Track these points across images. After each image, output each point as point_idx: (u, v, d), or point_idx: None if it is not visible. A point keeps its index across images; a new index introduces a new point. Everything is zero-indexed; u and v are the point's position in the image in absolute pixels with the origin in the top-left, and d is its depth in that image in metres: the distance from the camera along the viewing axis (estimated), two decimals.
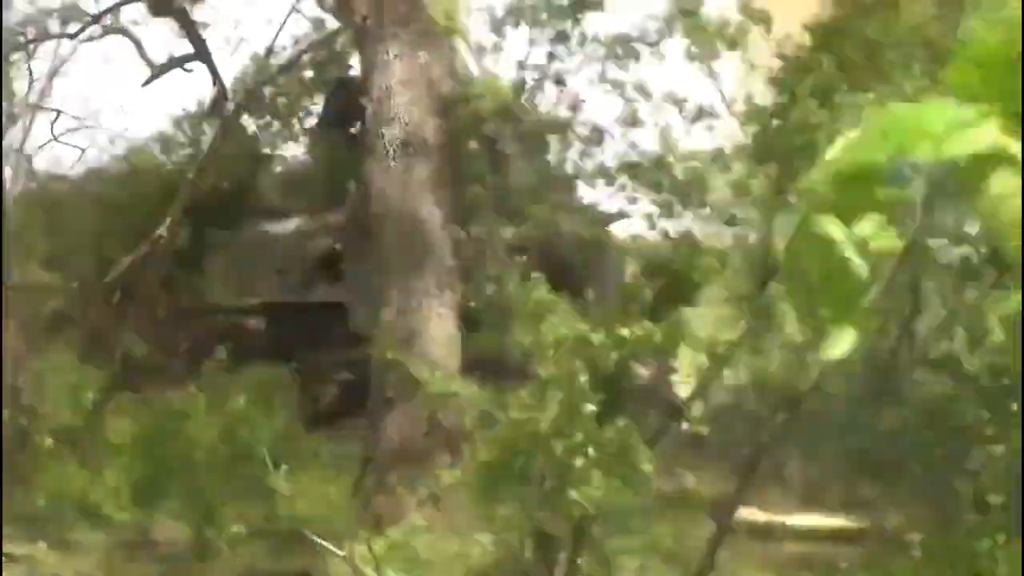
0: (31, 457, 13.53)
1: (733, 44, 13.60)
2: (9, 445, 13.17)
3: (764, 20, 13.18)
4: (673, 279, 10.04)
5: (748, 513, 13.25)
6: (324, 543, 11.13)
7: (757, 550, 13.04)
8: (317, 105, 23.15)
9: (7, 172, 20.47)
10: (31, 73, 22.55)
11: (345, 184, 20.20)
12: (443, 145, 14.71)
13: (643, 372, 14.74)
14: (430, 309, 13.84)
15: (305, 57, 22.19)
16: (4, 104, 20.72)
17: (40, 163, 23.89)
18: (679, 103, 15.14)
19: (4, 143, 20.42)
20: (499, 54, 17.83)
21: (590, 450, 9.21)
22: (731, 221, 11.95)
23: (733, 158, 12.90)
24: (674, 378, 16.69)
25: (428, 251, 14.05)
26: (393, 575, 11.05)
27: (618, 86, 15.60)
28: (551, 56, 15.69)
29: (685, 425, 11.85)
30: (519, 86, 15.56)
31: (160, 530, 12.88)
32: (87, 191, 23.01)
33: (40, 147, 23.74)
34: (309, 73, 23.09)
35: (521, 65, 15.72)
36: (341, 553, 10.85)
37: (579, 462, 9.17)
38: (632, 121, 15.74)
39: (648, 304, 10.05)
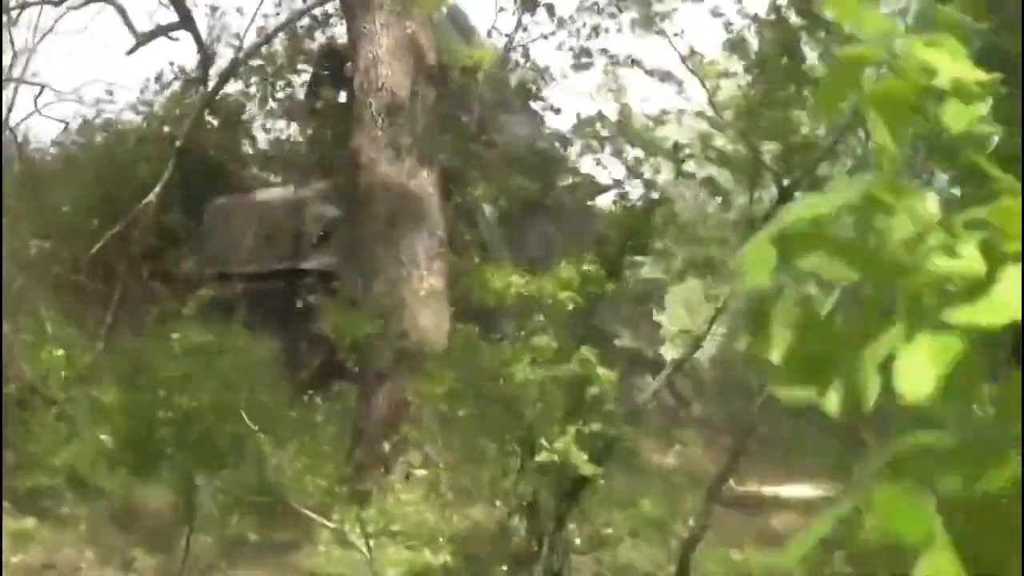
0: (21, 427, 13.51)
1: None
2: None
3: None
4: (638, 238, 10.03)
5: (738, 483, 13.31)
6: (313, 514, 11.13)
7: (747, 521, 13.08)
8: (303, 74, 23.05)
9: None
10: (12, 44, 22.43)
11: (334, 152, 20.15)
12: (431, 114, 14.68)
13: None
14: (420, 278, 13.82)
15: (290, 25, 22.07)
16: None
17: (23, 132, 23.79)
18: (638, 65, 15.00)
19: None
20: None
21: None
22: (710, 185, 11.89)
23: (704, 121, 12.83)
24: (663, 348, 16.73)
25: (417, 220, 14.02)
26: (383, 545, 11.08)
27: (586, 53, 15.51)
28: (519, 24, 15.58)
29: (696, 409, 11.84)
30: (503, 55, 15.48)
31: (150, 499, 12.89)
32: (72, 160, 22.93)
33: (24, 119, 23.63)
34: (294, 40, 22.99)
35: (489, 33, 15.66)
36: (331, 524, 10.86)
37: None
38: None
39: (614, 259, 10.07)
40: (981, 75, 1.49)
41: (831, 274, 1.44)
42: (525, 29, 15.38)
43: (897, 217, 1.40)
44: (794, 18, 10.52)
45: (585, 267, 9.66)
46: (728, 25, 11.46)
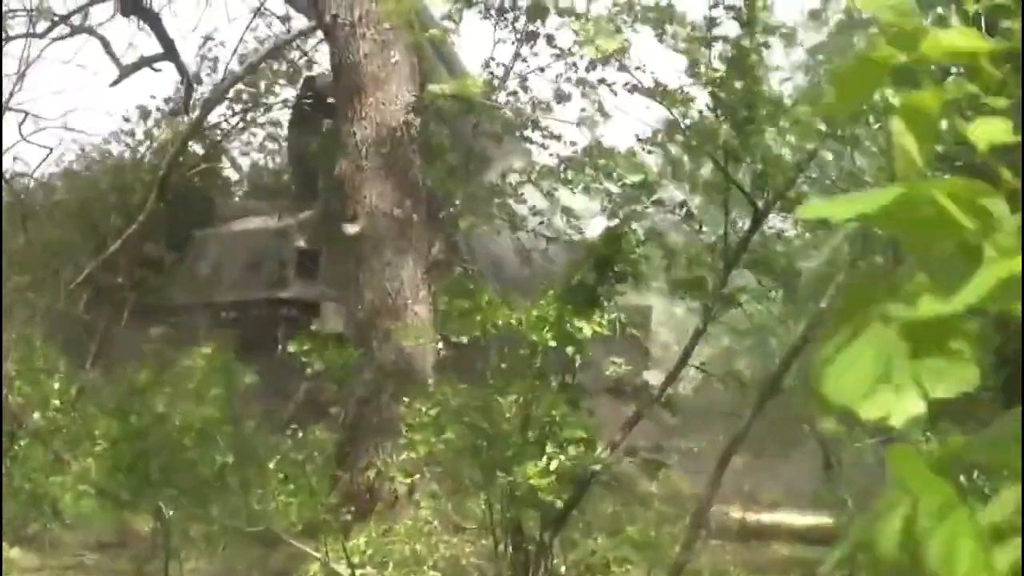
0: (6, 456, 13.48)
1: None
2: None
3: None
4: (615, 267, 10.06)
5: (725, 511, 13.31)
6: (299, 544, 11.12)
7: (734, 548, 13.09)
8: (287, 104, 23.07)
9: None
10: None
11: (318, 181, 20.19)
12: (415, 142, 14.72)
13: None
14: (405, 307, 13.83)
15: (273, 55, 22.11)
16: None
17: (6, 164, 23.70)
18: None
19: None
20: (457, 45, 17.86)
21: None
22: (684, 213, 11.97)
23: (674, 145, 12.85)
24: (648, 375, 16.74)
25: (402, 249, 14.04)
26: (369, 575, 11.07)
27: (584, 83, 15.43)
28: (517, 55, 15.50)
29: (671, 419, 11.82)
30: (490, 84, 15.45)
31: (137, 527, 12.88)
32: (56, 190, 22.93)
33: (8, 148, 23.55)
34: (278, 70, 23.04)
35: (486, 64, 15.61)
36: (317, 555, 10.84)
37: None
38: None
39: (592, 289, 10.10)
40: (992, 46, 1.52)
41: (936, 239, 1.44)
42: (524, 60, 15.35)
43: (970, 223, 1.42)
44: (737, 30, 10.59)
45: (555, 304, 9.65)
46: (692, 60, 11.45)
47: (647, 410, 11.04)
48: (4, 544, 11.95)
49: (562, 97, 15.75)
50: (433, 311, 13.81)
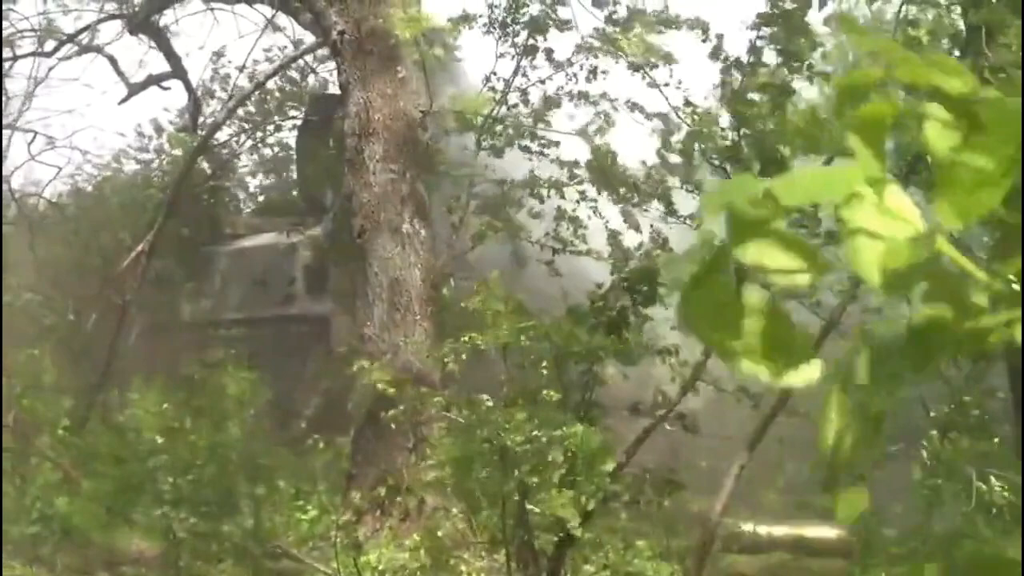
0: (14, 475, 13.47)
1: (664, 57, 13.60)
2: None
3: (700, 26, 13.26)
4: (640, 285, 10.03)
5: (733, 523, 13.26)
6: (310, 561, 11.11)
7: (746, 561, 13.06)
8: (295, 120, 23.09)
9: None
10: (5, 93, 22.40)
11: (325, 198, 20.21)
12: (422, 157, 14.73)
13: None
14: (414, 322, 13.83)
15: (281, 72, 22.13)
16: None
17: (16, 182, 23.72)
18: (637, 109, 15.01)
19: None
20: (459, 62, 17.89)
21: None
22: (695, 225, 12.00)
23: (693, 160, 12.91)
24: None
25: (410, 264, 14.04)
26: None
27: (583, 96, 15.43)
28: (518, 69, 15.46)
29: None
30: (494, 99, 15.46)
31: (144, 546, 12.86)
32: (65, 208, 22.95)
33: (18, 167, 23.56)
34: (285, 87, 23.08)
35: (487, 78, 15.60)
36: (328, 571, 10.84)
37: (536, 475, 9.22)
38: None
39: (615, 309, 10.06)
40: (980, 89, 1.51)
41: (772, 265, 1.43)
42: (524, 74, 15.32)
43: (871, 212, 1.41)
44: (775, 58, 10.65)
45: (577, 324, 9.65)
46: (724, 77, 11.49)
47: (659, 424, 11.01)
48: (16, 564, 11.94)
49: (551, 104, 15.70)
50: (439, 326, 13.80)
